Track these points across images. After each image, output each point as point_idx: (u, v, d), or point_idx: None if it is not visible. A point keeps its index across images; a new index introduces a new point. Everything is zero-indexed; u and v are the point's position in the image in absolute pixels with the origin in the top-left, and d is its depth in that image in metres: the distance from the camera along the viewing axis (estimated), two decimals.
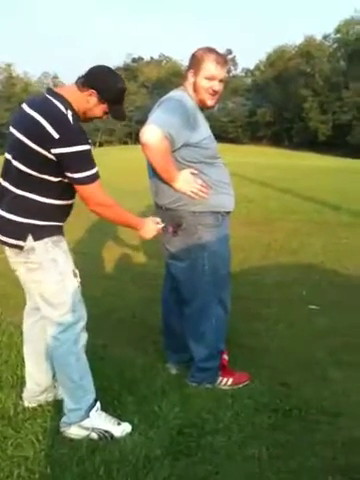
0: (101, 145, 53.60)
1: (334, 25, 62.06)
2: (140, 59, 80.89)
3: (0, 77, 67.18)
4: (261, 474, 2.18)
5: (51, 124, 2.19)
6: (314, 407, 2.70)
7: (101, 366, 2.96)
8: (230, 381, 2.97)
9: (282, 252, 6.43)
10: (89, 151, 2.27)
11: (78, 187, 2.29)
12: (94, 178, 2.28)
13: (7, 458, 2.25)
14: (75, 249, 2.50)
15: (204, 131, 2.74)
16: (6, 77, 67.38)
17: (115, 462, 2.21)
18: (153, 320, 3.95)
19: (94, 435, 2.42)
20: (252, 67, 73.07)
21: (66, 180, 2.31)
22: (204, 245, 2.77)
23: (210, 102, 2.78)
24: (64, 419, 2.45)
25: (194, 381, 2.96)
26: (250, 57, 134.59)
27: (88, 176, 2.25)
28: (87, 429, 2.42)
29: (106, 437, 2.41)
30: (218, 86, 2.75)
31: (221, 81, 2.76)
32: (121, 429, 2.44)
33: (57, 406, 2.61)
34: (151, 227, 2.58)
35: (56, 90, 2.36)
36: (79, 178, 2.25)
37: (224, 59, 2.80)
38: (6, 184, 2.34)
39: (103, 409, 2.51)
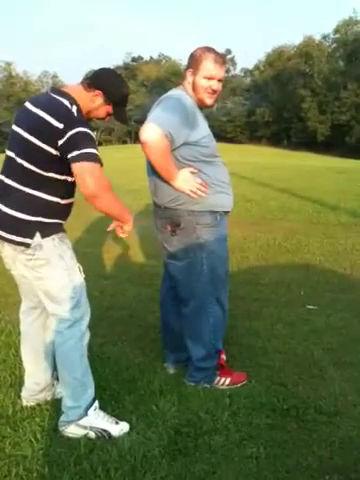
0: (100, 144, 53.52)
1: (333, 25, 62.06)
2: (139, 58, 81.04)
3: (0, 76, 67.15)
4: (259, 473, 2.19)
5: (56, 118, 2.20)
6: (312, 407, 2.70)
7: (99, 365, 2.97)
8: (228, 381, 2.97)
9: (280, 252, 6.44)
10: (91, 135, 2.26)
11: (77, 166, 2.19)
12: (94, 157, 2.20)
13: (5, 457, 2.26)
14: (74, 249, 2.50)
15: (203, 130, 2.74)
16: (6, 76, 67.34)
17: (113, 461, 2.21)
18: (151, 319, 3.96)
19: (92, 434, 2.42)
20: (251, 67, 73.29)
21: (70, 178, 2.31)
22: (202, 244, 2.77)
23: (209, 101, 2.78)
24: (63, 417, 2.45)
25: (192, 381, 2.96)
26: (249, 57, 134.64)
27: (87, 153, 2.19)
28: (85, 428, 2.42)
29: (104, 436, 2.41)
30: (217, 85, 2.75)
31: (220, 80, 2.76)
32: (119, 428, 2.44)
33: (55, 405, 2.62)
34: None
35: (61, 88, 2.38)
36: (79, 154, 2.18)
37: (223, 59, 2.80)
38: (10, 182, 2.32)
39: (101, 408, 2.51)
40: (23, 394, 2.68)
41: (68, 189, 2.36)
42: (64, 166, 2.25)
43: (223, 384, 2.97)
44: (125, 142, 62.08)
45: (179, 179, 2.65)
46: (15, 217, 2.30)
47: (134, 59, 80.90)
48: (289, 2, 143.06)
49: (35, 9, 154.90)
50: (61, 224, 2.43)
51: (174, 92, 2.78)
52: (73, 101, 2.29)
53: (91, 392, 2.47)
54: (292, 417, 2.61)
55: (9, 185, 2.32)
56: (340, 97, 52.96)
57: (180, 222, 2.74)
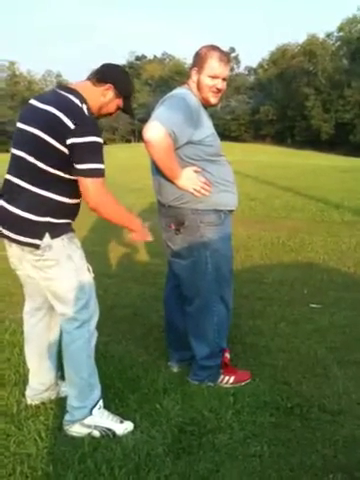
0: (104, 143, 53.67)
1: (337, 23, 61.79)
2: (143, 57, 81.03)
3: (4, 75, 67.13)
4: (262, 472, 2.19)
5: (67, 115, 2.17)
6: (315, 405, 2.70)
7: (103, 364, 2.97)
8: (232, 379, 2.97)
9: (284, 250, 6.44)
10: (101, 145, 2.26)
11: (82, 180, 2.23)
12: (100, 173, 2.23)
13: (10, 455, 2.27)
14: (81, 248, 2.50)
15: (207, 128, 2.73)
16: (10, 75, 67.39)
17: (117, 460, 2.22)
18: (155, 318, 3.97)
19: (96, 433, 2.42)
20: (255, 65, 73.06)
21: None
22: (206, 243, 2.76)
23: (213, 100, 2.78)
24: (67, 417, 2.46)
25: (196, 379, 2.97)
26: (253, 55, 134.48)
27: (95, 169, 2.21)
28: (89, 427, 2.42)
29: (108, 435, 2.42)
30: (221, 84, 2.75)
31: (224, 79, 2.76)
32: (123, 427, 2.45)
33: (60, 404, 2.62)
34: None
35: (69, 86, 2.36)
36: (85, 170, 2.20)
37: (227, 57, 2.79)
38: (19, 181, 2.28)
39: (105, 407, 2.52)
40: (27, 393, 2.69)
41: (76, 188, 2.32)
42: (71, 164, 2.23)
43: (227, 383, 2.97)
44: (129, 141, 62.08)
45: (183, 178, 2.65)
46: (23, 217, 2.26)
47: (138, 58, 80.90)
48: (293, 0, 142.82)
49: (38, 8, 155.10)
50: (70, 224, 2.41)
51: (179, 91, 2.78)
52: (82, 99, 2.26)
53: (97, 393, 2.47)
54: (296, 416, 2.61)
55: (17, 185, 2.28)
56: (344, 95, 52.81)
57: (184, 221, 2.74)
